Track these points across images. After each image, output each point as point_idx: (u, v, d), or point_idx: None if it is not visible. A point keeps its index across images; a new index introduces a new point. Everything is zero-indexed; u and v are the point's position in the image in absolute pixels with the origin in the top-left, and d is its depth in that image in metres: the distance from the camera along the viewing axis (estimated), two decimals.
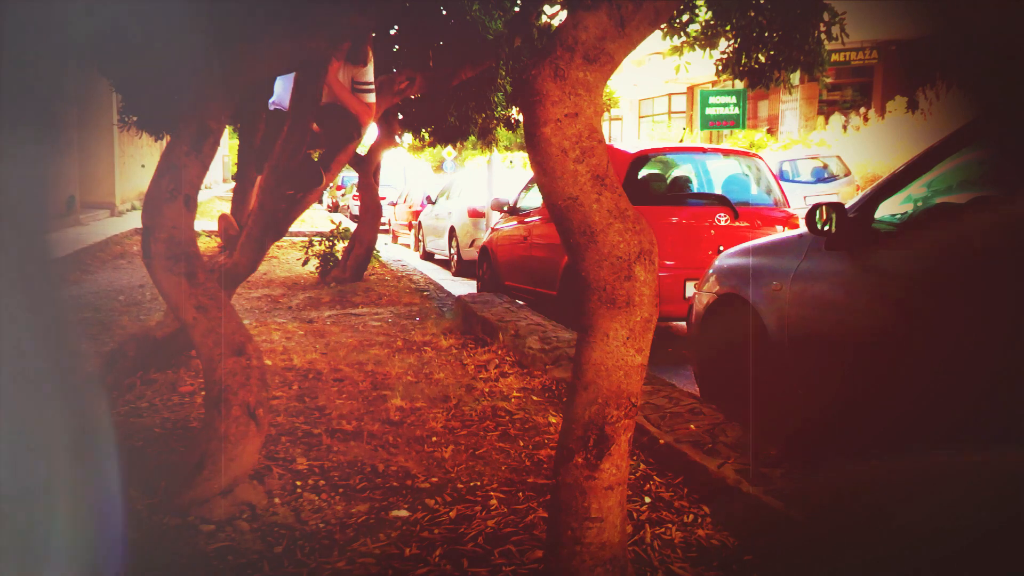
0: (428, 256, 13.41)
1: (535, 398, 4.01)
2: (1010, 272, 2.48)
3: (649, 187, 6.15)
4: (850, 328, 3.14)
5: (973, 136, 2.91)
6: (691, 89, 24.58)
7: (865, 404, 3.03)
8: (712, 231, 5.73)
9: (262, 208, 3.82)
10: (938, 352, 2.69)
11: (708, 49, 5.44)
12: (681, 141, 20.57)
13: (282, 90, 4.24)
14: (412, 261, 12.23)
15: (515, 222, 7.49)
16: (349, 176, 23.08)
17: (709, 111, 18.30)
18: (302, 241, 10.08)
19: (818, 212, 3.19)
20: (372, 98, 4.31)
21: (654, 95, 28.00)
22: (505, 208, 7.99)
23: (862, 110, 19.24)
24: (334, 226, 9.05)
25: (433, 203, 13.27)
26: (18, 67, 1.85)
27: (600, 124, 2.00)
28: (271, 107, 4.30)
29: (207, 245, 10.03)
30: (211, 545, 2.33)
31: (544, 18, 6.19)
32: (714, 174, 6.44)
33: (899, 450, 2.77)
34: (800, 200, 12.12)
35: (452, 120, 7.81)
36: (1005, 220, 2.60)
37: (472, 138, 8.96)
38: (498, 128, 8.87)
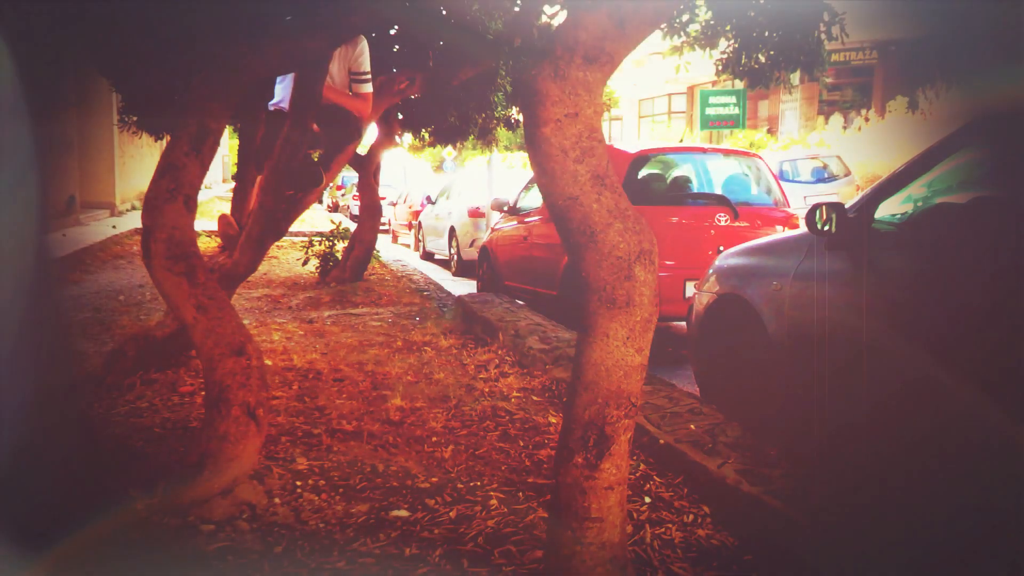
0: (428, 256, 13.40)
1: (535, 398, 4.01)
2: (1009, 272, 2.48)
3: (649, 187, 6.15)
4: (850, 328, 3.14)
5: (973, 136, 2.91)
6: (691, 89, 24.58)
7: (864, 404, 3.03)
8: (712, 231, 5.73)
9: (262, 208, 3.82)
10: (938, 352, 2.69)
11: (708, 49, 5.43)
12: (681, 141, 20.57)
13: (282, 91, 4.24)
14: (412, 261, 12.23)
15: (515, 222, 7.48)
16: (349, 176, 23.07)
17: (709, 111, 18.30)
18: (302, 241, 10.08)
19: (818, 212, 3.19)
20: (369, 88, 4.30)
21: (654, 95, 27.99)
22: (505, 208, 7.99)
23: (862, 110, 19.24)
24: (334, 226, 9.05)
25: (433, 203, 13.27)
26: (18, 67, 1.85)
27: (600, 124, 2.00)
28: (271, 108, 4.30)
29: (207, 245, 10.02)
30: (211, 545, 2.33)
31: (544, 18, 6.19)
32: (714, 174, 6.44)
33: (898, 449, 2.77)
34: (800, 200, 12.11)
35: (452, 120, 7.80)
36: (1005, 220, 2.60)
37: (472, 138, 8.95)
38: (498, 128, 8.85)
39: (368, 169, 8.89)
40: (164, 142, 6.69)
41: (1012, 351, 2.37)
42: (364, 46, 4.28)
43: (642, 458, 3.09)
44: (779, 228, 5.81)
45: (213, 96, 2.71)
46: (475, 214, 11.12)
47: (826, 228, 3.16)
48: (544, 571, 2.09)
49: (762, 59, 4.89)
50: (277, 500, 2.64)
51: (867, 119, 18.41)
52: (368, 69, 4.27)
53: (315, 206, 20.37)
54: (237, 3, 2.92)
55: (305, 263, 9.01)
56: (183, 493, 2.51)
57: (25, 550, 1.85)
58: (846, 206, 3.18)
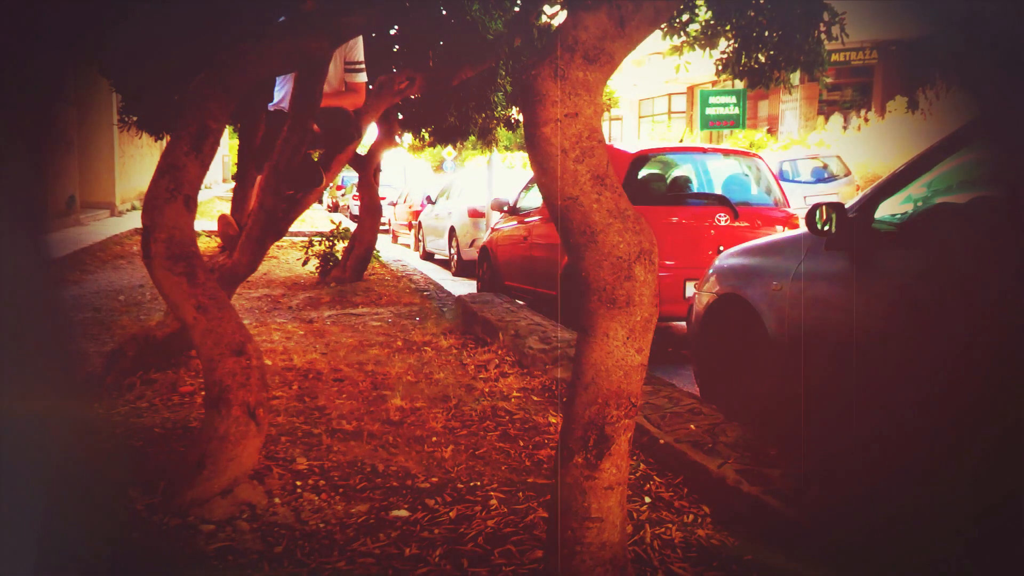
0: (428, 256, 13.41)
1: (535, 398, 4.01)
2: (1009, 272, 2.48)
3: (649, 187, 6.15)
4: (850, 328, 3.14)
5: (973, 136, 2.91)
6: (691, 89, 24.59)
7: (865, 404, 3.03)
8: (712, 231, 5.73)
9: (262, 208, 3.82)
10: (938, 352, 2.69)
11: (708, 49, 5.44)
12: (681, 141, 20.57)
13: (282, 91, 4.24)
14: (412, 261, 12.23)
15: (515, 222, 7.49)
16: (349, 176, 23.09)
17: (709, 111, 18.32)
18: (302, 241, 10.08)
19: (818, 212, 3.19)
20: (363, 77, 4.33)
21: (654, 95, 28.00)
22: (505, 208, 7.99)
23: (862, 110, 19.25)
24: (334, 226, 9.05)
25: (433, 203, 13.27)
26: (18, 67, 1.85)
27: (600, 124, 2.00)
28: (271, 108, 4.30)
29: (207, 245, 10.02)
30: (211, 545, 2.33)
31: (544, 18, 6.19)
32: (714, 174, 6.44)
33: (899, 450, 2.77)
34: (800, 200, 12.12)
35: (452, 120, 7.81)
36: (1005, 220, 2.60)
37: (472, 138, 8.96)
38: (498, 128, 8.87)
39: (368, 169, 8.89)
40: (164, 142, 6.69)
41: (1012, 351, 2.37)
42: (358, 36, 4.29)
43: (642, 458, 3.09)
44: (779, 228, 5.81)
45: (213, 96, 2.71)
46: (475, 214, 11.12)
47: (826, 228, 3.16)
48: (544, 571, 2.09)
49: (762, 59, 4.90)
50: (277, 500, 2.64)
51: (867, 119, 18.42)
52: (362, 59, 4.29)
53: (315, 206, 20.39)
54: (237, 3, 2.92)
55: (305, 263, 9.01)
56: (183, 493, 2.51)
57: (25, 551, 1.85)
58: (846, 206, 3.18)
